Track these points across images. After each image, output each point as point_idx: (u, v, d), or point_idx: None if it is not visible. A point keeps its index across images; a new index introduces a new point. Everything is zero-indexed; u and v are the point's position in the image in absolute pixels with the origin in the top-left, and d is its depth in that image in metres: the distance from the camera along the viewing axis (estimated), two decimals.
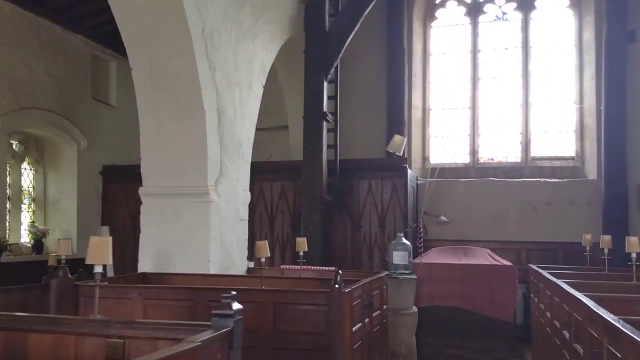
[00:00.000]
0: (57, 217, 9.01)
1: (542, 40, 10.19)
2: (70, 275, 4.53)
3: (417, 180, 9.57)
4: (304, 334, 4.13)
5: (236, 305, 2.39)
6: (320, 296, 4.15)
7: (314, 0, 7.86)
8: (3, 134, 7.85)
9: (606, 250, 6.43)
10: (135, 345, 2.46)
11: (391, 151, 8.90)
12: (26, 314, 2.77)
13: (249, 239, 6.58)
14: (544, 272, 6.06)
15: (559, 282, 4.99)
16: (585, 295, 3.94)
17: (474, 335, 7.44)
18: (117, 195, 9.37)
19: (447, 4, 10.55)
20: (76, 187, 9.01)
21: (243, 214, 6.37)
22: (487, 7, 10.42)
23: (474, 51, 10.42)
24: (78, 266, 4.75)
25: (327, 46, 7.87)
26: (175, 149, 5.65)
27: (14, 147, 8.58)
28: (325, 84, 7.91)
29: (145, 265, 5.73)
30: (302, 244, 5.74)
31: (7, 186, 8.30)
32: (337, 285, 4.02)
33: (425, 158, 10.45)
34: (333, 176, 8.18)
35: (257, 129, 7.04)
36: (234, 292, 2.42)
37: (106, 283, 4.03)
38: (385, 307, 5.60)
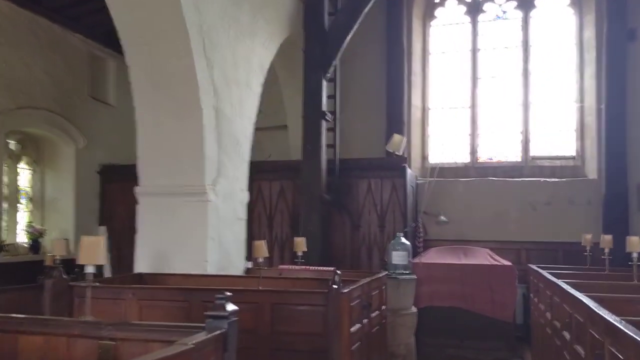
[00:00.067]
0: (54, 216, 8.96)
1: (542, 39, 10.13)
2: (65, 276, 4.50)
3: (416, 179, 9.52)
4: (302, 335, 4.08)
5: (231, 307, 2.34)
6: (318, 297, 4.10)
7: None
8: (0, 133, 7.80)
9: (607, 250, 6.38)
10: (127, 348, 2.41)
11: (390, 150, 8.86)
12: (16, 315, 2.71)
13: (247, 239, 6.53)
14: (544, 272, 6.01)
15: (559, 282, 4.94)
16: (586, 295, 3.89)
17: (473, 336, 7.40)
18: (115, 194, 9.30)
19: (447, 2, 10.50)
20: (74, 187, 8.95)
21: (241, 214, 6.32)
22: (487, 6, 10.37)
23: (474, 50, 10.37)
24: (75, 266, 4.71)
25: (326, 45, 7.82)
26: (172, 147, 5.60)
27: (11, 146, 8.53)
28: (325, 82, 7.86)
29: (142, 265, 5.68)
30: (300, 243, 5.70)
31: (4, 186, 8.25)
32: (335, 286, 3.97)
33: (424, 157, 10.40)
34: (332, 176, 8.13)
35: (256, 129, 7.00)
36: (229, 293, 2.37)
37: (97, 283, 3.97)
38: (384, 307, 5.55)
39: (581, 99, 9.83)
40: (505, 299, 7.22)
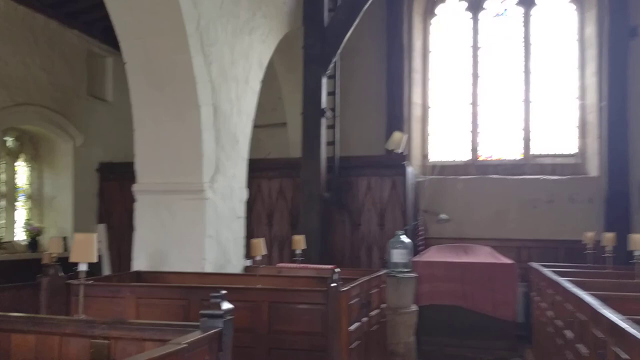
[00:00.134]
0: (52, 214, 8.90)
1: (543, 36, 10.08)
2: (62, 274, 4.44)
3: (416, 177, 9.47)
4: (300, 334, 4.03)
5: (226, 305, 2.29)
6: (317, 295, 4.05)
7: None
8: None
9: (609, 248, 6.34)
10: (121, 347, 2.36)
11: (390, 148, 8.81)
12: (9, 314, 2.66)
13: (246, 237, 6.47)
14: (546, 271, 5.97)
15: (561, 280, 4.89)
16: (589, 294, 3.84)
17: (474, 335, 7.36)
18: (114, 192, 9.25)
19: None
20: (72, 185, 8.88)
21: (240, 212, 6.27)
22: (488, 3, 10.32)
23: (475, 47, 10.32)
24: (73, 264, 4.65)
25: (325, 42, 7.75)
26: (169, 145, 5.54)
27: (8, 143, 8.47)
28: (324, 79, 7.80)
29: (139, 263, 5.63)
30: (299, 241, 5.64)
31: (2, 183, 8.19)
32: (333, 284, 3.92)
33: (425, 155, 10.35)
34: (332, 173, 8.07)
35: (256, 126, 6.94)
36: (224, 291, 2.32)
37: (91, 281, 3.92)
38: (384, 305, 5.50)
39: (582, 97, 9.78)
40: (506, 297, 7.17)
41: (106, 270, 8.88)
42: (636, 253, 5.53)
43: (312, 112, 7.67)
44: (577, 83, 9.83)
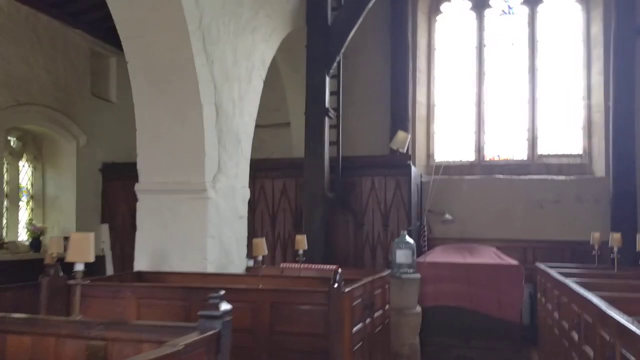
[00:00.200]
0: (55, 214, 8.88)
1: (549, 34, 10.00)
2: (63, 274, 4.40)
3: (421, 177, 9.41)
4: (302, 335, 3.98)
5: (224, 306, 2.24)
6: (319, 296, 4.00)
7: None
8: (0, 130, 7.72)
9: (615, 249, 6.26)
10: (117, 348, 2.31)
11: (394, 148, 8.74)
12: (3, 314, 2.62)
13: (250, 237, 6.43)
14: (552, 271, 5.90)
15: (568, 281, 4.82)
16: (596, 295, 3.78)
17: (479, 336, 7.29)
18: (117, 192, 9.23)
19: None
20: (75, 185, 8.86)
21: (242, 212, 6.21)
22: (493, 1, 10.24)
23: (480, 46, 10.25)
24: (73, 264, 4.62)
25: (329, 41, 7.70)
26: (171, 144, 5.50)
27: (11, 143, 8.46)
28: (328, 79, 7.74)
29: (141, 263, 5.59)
30: (301, 241, 5.59)
31: (5, 183, 8.18)
32: (336, 285, 3.87)
33: (429, 155, 10.28)
34: (335, 173, 8.02)
35: (259, 126, 6.90)
36: (223, 292, 2.27)
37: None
38: (387, 307, 5.44)
39: (589, 96, 9.69)
40: (511, 298, 7.09)
41: (109, 270, 8.86)
42: None
43: (315, 111, 7.62)
44: (583, 82, 9.74)
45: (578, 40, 9.84)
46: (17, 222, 8.51)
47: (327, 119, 7.69)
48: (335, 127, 8.16)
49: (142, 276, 5.30)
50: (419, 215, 8.76)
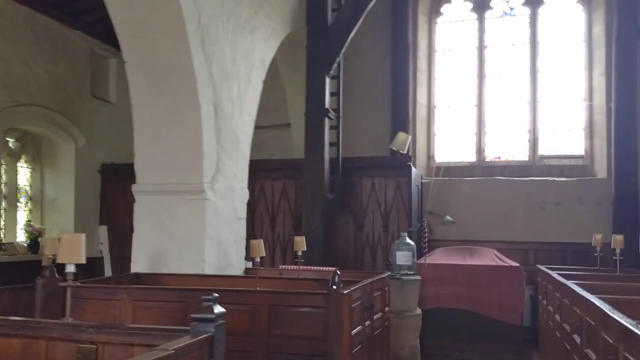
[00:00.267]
0: (54, 216, 8.84)
1: (550, 36, 9.94)
2: (58, 275, 4.36)
3: (421, 179, 9.35)
4: (301, 338, 3.92)
5: (218, 309, 2.19)
6: (318, 298, 3.94)
7: None
8: None
9: (618, 251, 6.21)
10: (109, 352, 2.26)
11: (395, 149, 8.69)
12: None
13: (249, 239, 6.37)
14: (553, 273, 5.84)
15: (569, 283, 4.77)
16: (598, 297, 3.72)
17: (480, 338, 7.24)
18: (116, 193, 9.18)
19: None
20: (74, 186, 8.82)
21: (241, 213, 6.17)
22: (494, 3, 10.19)
23: (481, 47, 10.19)
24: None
25: (329, 41, 7.65)
26: (169, 144, 5.46)
27: (10, 144, 8.42)
28: (328, 79, 7.69)
29: (139, 265, 5.54)
30: (300, 243, 5.54)
31: (3, 184, 8.14)
32: (334, 287, 3.81)
33: (430, 156, 10.23)
34: (335, 175, 7.96)
35: (259, 127, 6.85)
36: (216, 294, 2.22)
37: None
38: (387, 309, 5.39)
39: (590, 97, 9.63)
40: (512, 300, 7.04)
41: (107, 272, 8.82)
42: None
43: (315, 112, 7.57)
44: (585, 84, 9.68)
45: (579, 41, 9.78)
46: (15, 223, 8.46)
47: (327, 119, 7.64)
48: (335, 128, 8.10)
49: (139, 278, 5.25)
50: (419, 217, 8.70)
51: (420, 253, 7.56)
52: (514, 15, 10.16)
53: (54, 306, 4.31)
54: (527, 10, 10.05)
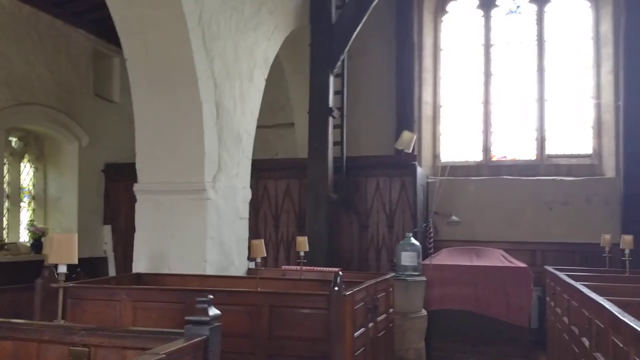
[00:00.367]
0: (57, 215, 8.80)
1: (557, 33, 9.81)
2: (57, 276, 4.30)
3: (427, 178, 9.25)
4: (302, 340, 3.86)
5: (213, 311, 2.11)
6: (319, 299, 3.87)
7: None
8: (1, 130, 7.65)
9: (627, 251, 6.10)
10: (101, 355, 2.19)
11: (400, 148, 8.60)
12: None
13: (253, 239, 6.31)
14: (561, 275, 5.73)
15: (578, 285, 4.66)
16: (607, 299, 3.62)
17: (486, 340, 7.15)
18: (119, 193, 9.13)
19: None
20: (77, 185, 8.77)
21: (243, 212, 6.10)
22: (500, 0, 10.07)
23: (487, 45, 10.08)
24: (76, 266, 4.52)
25: (333, 39, 7.57)
26: (171, 143, 5.40)
27: (13, 144, 8.38)
28: (332, 78, 7.61)
29: (140, 265, 5.49)
30: (302, 243, 5.47)
31: (7, 184, 8.11)
32: (336, 288, 3.73)
33: (435, 155, 10.12)
34: (339, 174, 7.88)
35: (264, 126, 6.80)
36: (211, 296, 2.14)
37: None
38: (391, 310, 5.30)
39: (598, 96, 9.49)
40: (520, 302, 6.93)
41: (111, 272, 8.78)
42: None
43: (319, 111, 7.49)
44: (593, 82, 9.55)
45: (587, 38, 9.65)
46: (18, 223, 8.43)
47: (331, 118, 7.56)
48: (339, 126, 8.02)
49: (140, 278, 5.20)
50: (424, 217, 8.61)
51: (425, 253, 7.47)
52: (520, 13, 10.04)
53: (54, 307, 4.25)
54: (533, 8, 9.93)
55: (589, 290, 4.21)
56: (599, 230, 7.47)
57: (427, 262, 7.13)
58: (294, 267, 5.83)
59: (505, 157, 9.95)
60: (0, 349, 2.39)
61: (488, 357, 7.08)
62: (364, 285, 4.34)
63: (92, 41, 9.02)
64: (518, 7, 10.06)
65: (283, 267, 6.47)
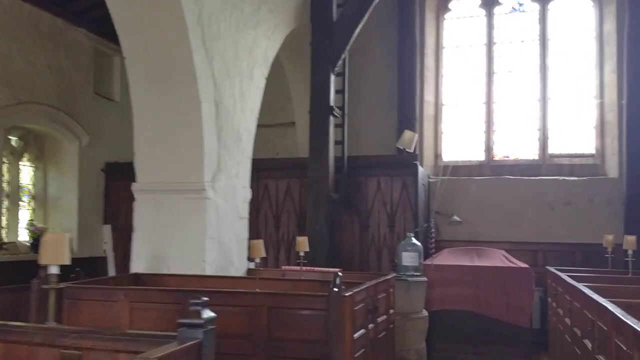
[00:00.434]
0: (57, 215, 8.77)
1: (560, 32, 9.75)
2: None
3: (428, 178, 9.20)
4: (301, 341, 3.81)
5: (207, 313, 2.07)
6: (319, 300, 3.82)
7: None
8: (0, 129, 7.62)
9: (630, 252, 6.05)
10: (93, 358, 2.16)
11: (401, 148, 8.56)
12: None
13: (253, 239, 6.27)
14: (563, 275, 5.68)
15: (580, 286, 4.61)
16: (610, 301, 3.57)
17: (487, 341, 7.10)
18: (120, 193, 9.07)
19: None
20: (77, 185, 8.74)
21: (243, 212, 6.06)
22: None
23: (489, 44, 10.02)
24: (75, 266, 4.49)
25: (334, 37, 7.52)
26: (170, 142, 5.36)
27: (12, 142, 8.35)
28: (333, 77, 7.57)
29: (138, 265, 5.45)
30: (302, 243, 5.43)
31: (6, 183, 8.08)
32: (336, 289, 3.69)
33: (437, 155, 10.07)
34: (340, 174, 7.83)
35: (264, 126, 6.75)
36: (205, 298, 2.10)
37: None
38: (392, 311, 5.25)
39: (601, 95, 9.43)
40: (521, 302, 6.89)
41: (111, 272, 8.75)
42: None
43: (319, 110, 7.45)
44: (596, 81, 9.49)
45: (590, 37, 9.59)
46: (17, 222, 8.40)
47: (331, 117, 7.51)
48: (340, 126, 7.97)
49: (139, 278, 5.16)
50: (426, 217, 8.56)
51: (427, 254, 7.43)
52: (523, 11, 9.98)
53: (50, 307, 4.21)
54: (536, 6, 9.87)
55: (591, 292, 4.16)
56: (602, 231, 7.43)
57: (428, 262, 7.09)
58: (294, 268, 5.79)
59: (507, 156, 9.89)
60: None
61: (489, 358, 7.03)
62: (364, 286, 4.30)
63: (92, 40, 8.99)
64: (521, 5, 10.00)
65: (283, 267, 6.43)
